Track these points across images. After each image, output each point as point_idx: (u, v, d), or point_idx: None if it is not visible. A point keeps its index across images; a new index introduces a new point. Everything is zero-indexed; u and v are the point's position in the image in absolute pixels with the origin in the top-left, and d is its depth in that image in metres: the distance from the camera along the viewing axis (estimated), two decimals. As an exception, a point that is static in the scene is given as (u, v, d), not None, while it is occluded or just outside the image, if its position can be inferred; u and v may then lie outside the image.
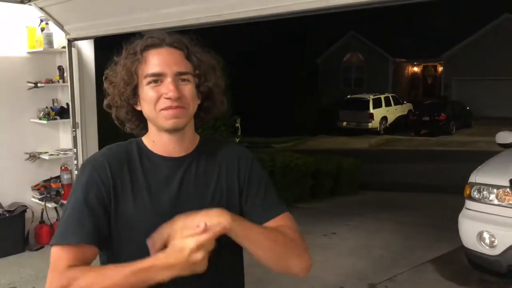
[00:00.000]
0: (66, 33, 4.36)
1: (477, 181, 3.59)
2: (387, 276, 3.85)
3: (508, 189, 3.35)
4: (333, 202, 8.02)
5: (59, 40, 4.53)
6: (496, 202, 3.42)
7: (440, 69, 25.61)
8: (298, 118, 22.17)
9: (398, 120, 20.65)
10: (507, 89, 21.55)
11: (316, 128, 20.55)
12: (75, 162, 4.54)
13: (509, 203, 3.34)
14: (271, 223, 1.10)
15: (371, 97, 20.13)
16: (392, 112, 20.66)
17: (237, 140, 17.53)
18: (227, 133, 6.14)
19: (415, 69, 27.29)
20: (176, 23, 3.28)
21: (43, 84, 4.57)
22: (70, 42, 4.41)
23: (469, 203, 3.65)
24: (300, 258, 1.10)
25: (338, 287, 3.60)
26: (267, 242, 1.03)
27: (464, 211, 3.69)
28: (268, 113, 22.34)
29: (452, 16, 22.98)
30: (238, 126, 18.40)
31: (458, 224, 3.65)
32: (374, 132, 19.74)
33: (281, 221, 1.10)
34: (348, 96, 21.26)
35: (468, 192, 3.67)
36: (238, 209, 1.10)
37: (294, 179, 7.42)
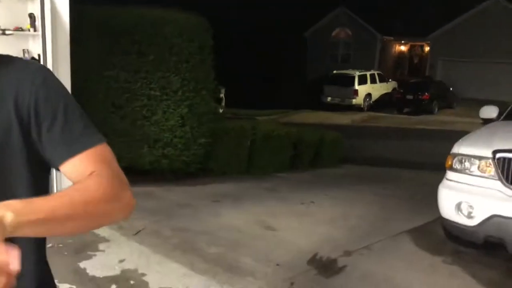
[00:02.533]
0: (37, -23, 4.05)
1: (460, 152, 3.54)
2: (363, 244, 3.82)
3: (490, 160, 3.30)
4: (313, 173, 7.99)
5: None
6: (477, 173, 3.38)
7: (426, 49, 25.59)
8: (283, 91, 21.99)
9: (383, 97, 20.70)
10: (490, 72, 21.70)
11: (300, 102, 20.44)
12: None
13: (490, 174, 3.30)
14: (76, 162, 0.81)
15: (357, 73, 20.04)
16: (377, 89, 20.68)
17: (221, 110, 17.32)
18: (209, 98, 5.93)
19: (402, 48, 27.23)
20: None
21: (12, 32, 4.27)
22: (42, -13, 4.10)
23: (450, 174, 3.60)
24: (119, 204, 0.81)
25: (313, 253, 3.55)
26: (72, 214, 0.71)
27: (444, 181, 3.65)
28: (253, 86, 22.09)
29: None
30: (222, 97, 18.15)
31: (438, 194, 3.61)
32: (358, 108, 19.77)
33: (89, 157, 0.82)
34: (334, 72, 21.11)
35: (450, 162, 3.62)
36: (17, 149, 0.81)
37: (275, 149, 7.33)
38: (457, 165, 3.54)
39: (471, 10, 22.73)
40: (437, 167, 4.61)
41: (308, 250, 3.62)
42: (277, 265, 3.28)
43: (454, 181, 3.55)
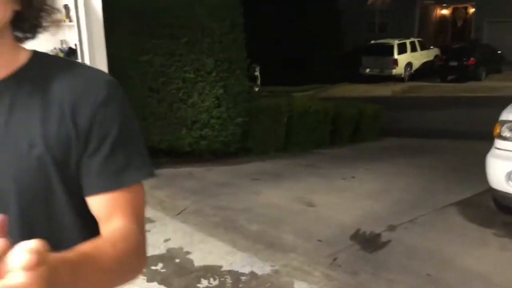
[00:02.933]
0: (69, -33, 4.11)
1: (509, 119, 3.33)
2: (407, 218, 3.73)
3: (544, 126, 3.09)
4: (353, 147, 7.83)
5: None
6: (529, 139, 3.18)
7: (471, 11, 24.09)
8: (318, 65, 21.53)
9: (424, 66, 19.79)
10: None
11: (337, 76, 19.98)
12: (87, 105, 4.46)
13: (544, 140, 3.09)
14: (106, 198, 0.73)
15: (395, 42, 19.23)
16: (418, 58, 19.78)
17: (256, 89, 17.26)
18: (243, 77, 5.89)
19: (444, 11, 25.75)
20: None
21: (48, 24, 4.39)
22: (74, -23, 4.17)
23: (498, 142, 3.41)
24: (138, 268, 0.75)
25: (355, 228, 3.50)
26: (102, 277, 0.65)
27: (492, 150, 3.46)
28: (288, 61, 21.76)
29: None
30: (257, 75, 18.04)
31: (486, 164, 3.44)
32: (398, 78, 19.05)
33: (121, 198, 0.74)
34: (372, 42, 20.38)
35: (498, 130, 3.42)
36: (71, 169, 0.72)
37: (313, 125, 7.22)
38: (506, 133, 3.35)
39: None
40: (485, 135, 4.38)
41: (350, 225, 3.58)
42: (319, 241, 3.27)
43: (504, 149, 3.37)
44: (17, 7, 0.71)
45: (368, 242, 3.29)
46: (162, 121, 5.41)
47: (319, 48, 22.28)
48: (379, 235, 3.41)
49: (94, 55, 4.44)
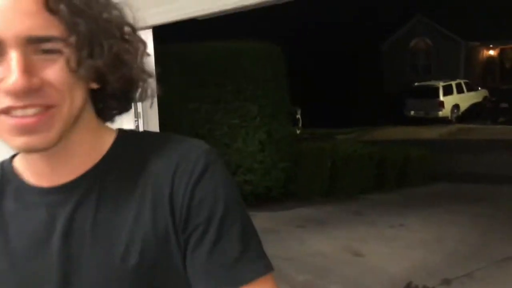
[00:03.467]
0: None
1: None
2: (464, 272, 3.50)
3: None
4: (399, 193, 7.57)
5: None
6: None
7: (520, 51, 23.43)
8: (362, 107, 21.44)
9: (472, 107, 19.21)
10: None
11: (381, 118, 19.76)
12: (138, 150, 4.66)
13: None
14: None
15: (441, 84, 18.92)
16: (465, 100, 19.27)
17: (298, 131, 17.35)
18: (286, 122, 5.98)
19: (491, 52, 25.20)
20: (234, 4, 3.17)
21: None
22: (130, 32, 4.50)
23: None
24: None
25: (406, 281, 3.32)
26: None
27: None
28: (330, 103, 21.83)
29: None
30: (298, 118, 18.20)
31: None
32: (445, 120, 18.55)
33: None
34: (416, 84, 20.16)
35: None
36: (178, 268, 0.59)
37: (358, 169, 7.10)
38: None
39: None
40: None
41: (401, 277, 3.41)
42: (368, 294, 3.13)
43: None
44: (94, 85, 0.59)
45: (422, 297, 3.11)
46: (207, 166, 5.53)
47: (362, 89, 22.31)
48: (433, 289, 3.22)
49: (147, 104, 4.67)
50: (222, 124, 5.49)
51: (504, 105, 17.23)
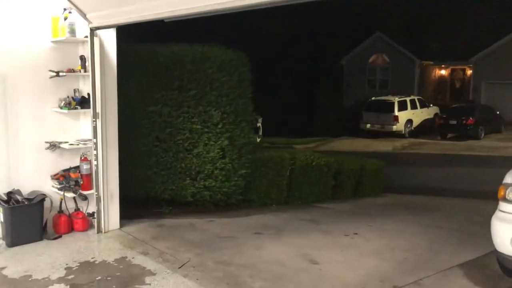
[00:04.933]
0: (89, 22, 4.34)
1: (512, 182, 3.36)
2: (413, 279, 3.65)
3: (547, 190, 3.11)
4: (355, 203, 7.79)
5: (82, 30, 4.52)
6: (533, 203, 3.19)
7: (468, 72, 24.86)
8: (320, 119, 21.92)
9: (424, 123, 20.15)
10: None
11: (338, 130, 20.26)
12: (95, 152, 4.53)
13: (549, 205, 3.10)
14: None
15: (396, 99, 19.71)
16: (418, 115, 20.17)
17: (258, 140, 17.43)
18: (248, 130, 6.00)
19: (443, 72, 26.59)
20: (199, 8, 3.18)
21: (64, 73, 4.56)
22: (93, 31, 4.39)
23: (503, 205, 3.42)
24: None
25: (360, 288, 3.43)
26: None
27: (497, 213, 3.46)
28: (290, 114, 22.15)
29: (482, 18, 22.33)
30: (259, 126, 18.31)
31: (491, 226, 3.43)
32: (398, 135, 19.32)
33: None
34: (373, 98, 20.87)
35: (502, 193, 3.44)
36: None
37: (315, 179, 7.25)
38: (510, 196, 3.37)
39: (513, 31, 22.01)
40: (486, 195, 4.39)
41: (355, 284, 3.51)
42: (323, 301, 3.19)
43: (508, 212, 3.37)
44: None
45: (373, 304, 3.21)
46: (167, 171, 5.45)
47: (322, 102, 22.80)
48: (384, 296, 3.33)
49: (106, 105, 4.56)
50: (183, 129, 5.43)
51: (453, 121, 18.18)
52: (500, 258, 3.44)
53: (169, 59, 5.44)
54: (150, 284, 3.39)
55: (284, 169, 6.71)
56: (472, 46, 22.88)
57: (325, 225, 5.52)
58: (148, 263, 3.79)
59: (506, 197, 3.39)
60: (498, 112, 19.45)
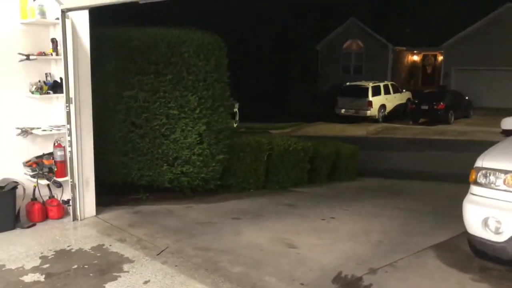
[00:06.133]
0: (59, 3, 4.17)
1: (484, 166, 3.47)
2: (387, 261, 3.76)
3: (516, 174, 3.23)
4: (331, 186, 7.93)
5: (54, 12, 4.34)
6: (503, 187, 3.31)
7: (440, 58, 25.41)
8: (296, 104, 22.00)
9: (397, 108, 20.57)
10: (506, 79, 21.45)
11: (314, 115, 20.44)
12: (69, 138, 4.41)
13: (518, 188, 3.23)
14: None
15: (370, 85, 19.98)
16: (391, 100, 20.55)
17: (235, 125, 17.40)
18: (225, 115, 5.96)
19: (415, 57, 27.07)
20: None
21: (35, 57, 4.39)
22: (64, 13, 4.22)
23: (474, 188, 3.54)
24: None
25: (337, 271, 3.51)
26: None
27: (469, 196, 3.58)
28: (266, 99, 22.16)
29: (454, 5, 22.77)
30: (236, 111, 18.25)
31: (463, 209, 3.55)
32: (372, 119, 19.65)
33: None
34: (347, 83, 21.09)
35: (473, 177, 3.55)
36: None
37: (292, 163, 7.31)
38: (481, 179, 3.48)
39: (484, 18, 22.55)
40: (456, 178, 4.55)
41: (332, 267, 3.58)
42: (302, 284, 3.25)
43: (480, 195, 3.48)
44: None
45: (350, 286, 3.29)
46: (143, 157, 5.38)
47: (297, 87, 22.88)
48: (360, 278, 3.42)
49: (79, 89, 4.43)
50: (160, 114, 5.34)
51: (424, 107, 18.63)
52: (471, 239, 3.57)
53: (144, 43, 5.31)
54: (128, 271, 3.37)
55: (262, 154, 6.73)
56: (443, 32, 23.37)
57: (302, 209, 5.60)
58: (126, 251, 3.76)
59: (477, 180, 3.50)
60: (467, 98, 20.04)
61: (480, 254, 3.64)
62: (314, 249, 4.05)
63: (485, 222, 3.34)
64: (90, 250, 3.77)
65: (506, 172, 3.32)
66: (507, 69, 21.34)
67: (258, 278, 3.31)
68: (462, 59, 23.02)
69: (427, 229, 4.82)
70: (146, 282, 3.19)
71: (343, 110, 20.18)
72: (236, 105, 18.23)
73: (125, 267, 3.44)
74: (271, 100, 22.12)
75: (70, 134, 4.40)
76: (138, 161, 5.39)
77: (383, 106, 20.08)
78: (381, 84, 20.47)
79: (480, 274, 3.58)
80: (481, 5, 21.82)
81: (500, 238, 3.24)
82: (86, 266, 3.45)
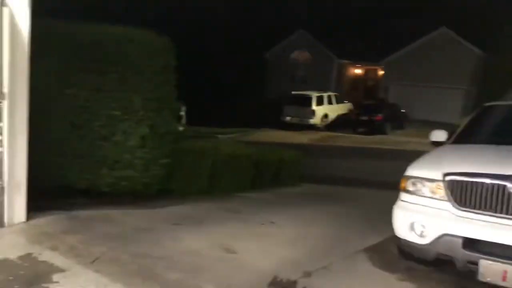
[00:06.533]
0: (-5, -7, 3.95)
1: (412, 175, 3.75)
2: (322, 265, 3.92)
3: (440, 183, 3.52)
4: (273, 192, 8.09)
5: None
6: (429, 194, 3.59)
7: (380, 73, 26.81)
8: (244, 110, 22.17)
9: (339, 118, 21.44)
10: (437, 95, 23.17)
11: (260, 121, 20.73)
12: (0, 137, 4.15)
13: (441, 196, 3.51)
14: None
15: (314, 95, 20.67)
16: (334, 110, 21.39)
17: (181, 128, 17.20)
18: (170, 118, 5.90)
19: (358, 71, 28.37)
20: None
21: (-35, 49, 4.10)
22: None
23: (404, 195, 3.80)
24: None
25: (273, 275, 3.59)
26: None
27: (398, 202, 3.84)
28: (215, 104, 22.12)
29: (396, 25, 24.23)
30: (182, 115, 18.06)
31: (393, 214, 3.80)
32: (315, 128, 20.31)
33: None
34: (293, 92, 21.65)
35: (403, 184, 3.82)
36: None
37: (236, 169, 7.38)
38: (410, 187, 3.75)
39: (420, 39, 24.24)
40: (390, 185, 4.82)
41: (269, 272, 3.66)
42: (239, 289, 3.29)
43: (408, 202, 3.75)
44: None
45: (286, 289, 3.39)
46: (82, 159, 5.18)
47: (245, 93, 23.08)
48: (295, 282, 3.53)
49: (15, 84, 4.20)
50: (101, 115, 5.19)
51: (364, 117, 19.62)
52: (399, 242, 3.83)
53: (88, 39, 5.13)
54: (58, 282, 3.19)
55: (207, 159, 6.74)
56: (385, 49, 24.78)
57: (244, 215, 5.67)
58: (57, 259, 3.54)
59: (407, 188, 3.77)
60: (403, 110, 21.34)
61: (406, 256, 3.91)
62: (253, 254, 4.12)
63: (412, 226, 3.60)
64: (17, 260, 3.49)
65: (431, 180, 3.60)
66: (438, 86, 23.06)
67: (195, 285, 3.31)
68: (399, 74, 24.52)
69: (360, 233, 5.08)
70: (78, 291, 3.07)
71: (288, 118, 20.69)
72: (183, 108, 18.05)
73: (55, 277, 3.25)
74: (220, 105, 22.12)
75: (1, 133, 4.14)
76: (76, 163, 5.19)
77: (326, 116, 20.84)
78: (325, 95, 21.26)
79: (406, 274, 3.84)
80: (419, 27, 23.45)
81: (424, 241, 3.51)
82: (11, 278, 3.20)
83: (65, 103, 5.10)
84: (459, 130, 4.78)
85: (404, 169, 3.90)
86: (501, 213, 3.22)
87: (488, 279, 3.16)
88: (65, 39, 5.08)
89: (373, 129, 19.11)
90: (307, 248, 4.41)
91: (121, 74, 5.24)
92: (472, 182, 3.37)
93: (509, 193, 3.21)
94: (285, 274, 3.63)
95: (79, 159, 5.18)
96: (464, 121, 5.11)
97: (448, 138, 4.65)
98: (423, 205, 3.62)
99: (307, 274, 3.69)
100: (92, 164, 5.22)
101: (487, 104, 4.98)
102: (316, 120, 20.20)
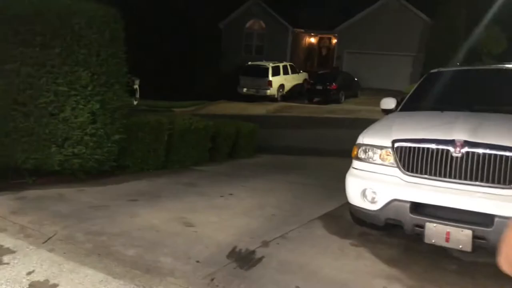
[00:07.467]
0: None
1: (364, 142, 3.86)
2: (279, 233, 4.02)
3: (389, 150, 3.65)
4: (231, 164, 8.13)
5: None
6: (379, 161, 3.72)
7: (334, 41, 27.06)
8: (199, 82, 21.82)
9: (294, 88, 21.60)
10: (388, 63, 23.79)
11: (217, 93, 20.53)
12: None
13: (390, 162, 3.65)
14: None
15: (270, 65, 20.60)
16: (289, 80, 21.48)
17: (135, 102, 16.73)
18: (122, 92, 5.70)
19: (312, 40, 28.44)
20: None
21: None
22: None
23: (355, 163, 3.93)
24: None
25: (232, 246, 3.65)
26: None
27: (351, 170, 3.96)
28: (169, 77, 21.57)
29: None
30: (136, 88, 17.53)
31: (345, 182, 3.92)
32: (272, 98, 20.38)
33: None
34: (249, 63, 21.48)
35: (355, 152, 3.94)
36: None
37: (193, 142, 7.31)
38: (361, 155, 3.87)
39: (371, 6, 24.52)
40: (345, 153, 4.96)
41: (227, 243, 3.71)
42: (197, 262, 3.33)
43: (360, 169, 3.88)
44: None
45: (244, 260, 3.45)
46: (28, 138, 4.93)
47: (200, 65, 22.63)
48: (253, 252, 3.61)
49: None
50: (47, 91, 4.92)
51: (319, 87, 19.87)
52: (352, 209, 3.98)
53: (28, 10, 4.80)
54: (8, 263, 3.10)
55: (162, 133, 6.62)
56: (338, 17, 24.89)
57: (201, 188, 5.67)
58: (7, 241, 3.43)
59: (358, 155, 3.89)
60: (356, 79, 21.80)
61: (359, 222, 4.08)
62: (211, 226, 4.15)
63: (363, 193, 3.73)
64: (-37, 244, 3.39)
65: (381, 147, 3.72)
66: (388, 54, 23.63)
67: (153, 260, 3.31)
68: (352, 42, 24.85)
69: (316, 201, 5.24)
70: (29, 273, 2.99)
71: (245, 89, 20.59)
72: (137, 82, 17.51)
73: (5, 258, 3.16)
74: (175, 78, 21.62)
75: None
76: (22, 142, 4.94)
77: (282, 86, 20.91)
78: (281, 65, 21.25)
79: (358, 239, 4.02)
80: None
81: (375, 207, 3.66)
82: (-41, 260, 3.11)
83: (6, 79, 4.79)
84: (406, 97, 4.94)
85: (356, 137, 4.00)
86: (445, 177, 3.39)
87: (433, 241, 3.36)
88: (2, 9, 4.72)
89: (328, 98, 19.46)
90: (265, 218, 4.50)
91: (66, 48, 4.97)
92: (418, 148, 3.51)
93: (452, 157, 3.37)
94: (243, 245, 3.70)
95: (24, 137, 4.93)
96: (412, 88, 5.29)
97: (397, 106, 4.80)
98: (373, 172, 3.74)
99: (265, 244, 3.77)
100: (40, 142, 4.99)
101: (432, 71, 5.17)
102: (272, 90, 20.24)
